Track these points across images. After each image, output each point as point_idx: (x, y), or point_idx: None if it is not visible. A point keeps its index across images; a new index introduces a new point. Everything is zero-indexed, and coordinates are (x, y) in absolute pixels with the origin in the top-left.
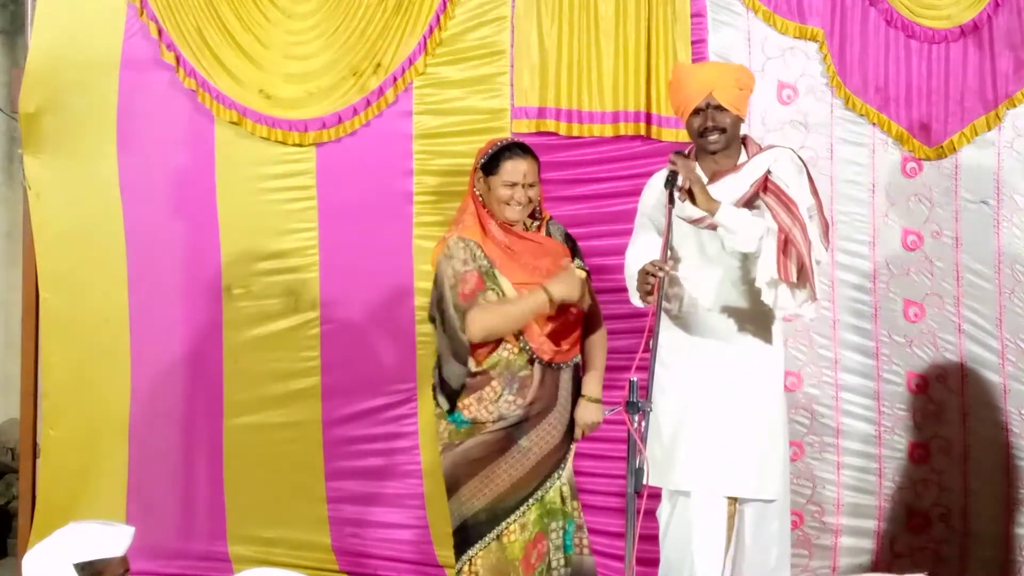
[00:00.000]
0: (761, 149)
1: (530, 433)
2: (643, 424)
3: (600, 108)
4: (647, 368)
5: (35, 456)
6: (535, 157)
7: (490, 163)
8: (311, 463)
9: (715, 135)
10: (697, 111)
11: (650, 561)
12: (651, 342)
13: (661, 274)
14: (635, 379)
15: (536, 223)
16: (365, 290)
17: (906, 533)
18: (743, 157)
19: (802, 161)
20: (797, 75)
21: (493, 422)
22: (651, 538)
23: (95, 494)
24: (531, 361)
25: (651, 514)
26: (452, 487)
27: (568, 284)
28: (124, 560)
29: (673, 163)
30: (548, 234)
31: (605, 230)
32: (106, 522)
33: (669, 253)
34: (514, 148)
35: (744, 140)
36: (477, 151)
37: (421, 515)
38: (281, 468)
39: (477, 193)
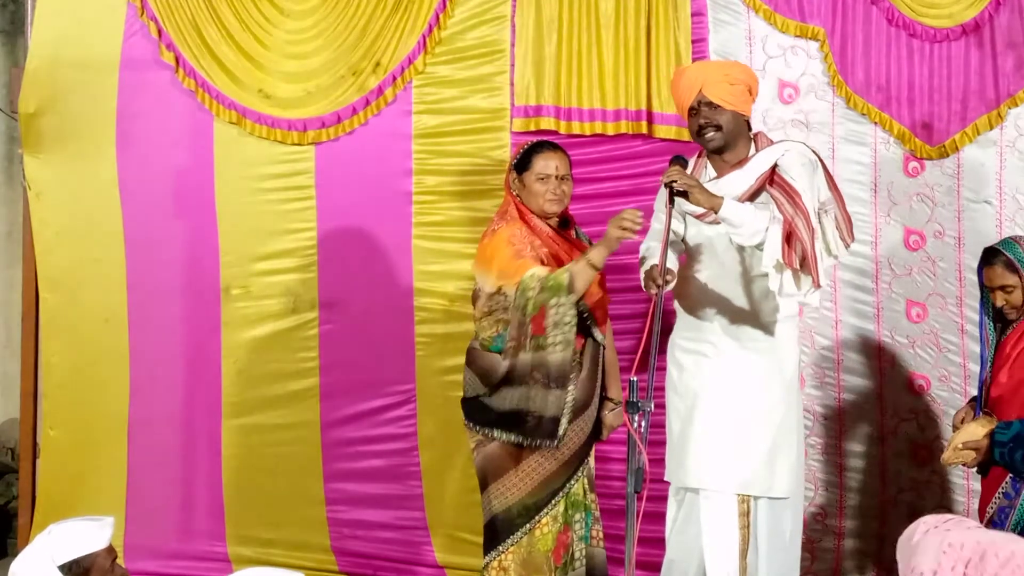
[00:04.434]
0: (772, 144)
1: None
2: (643, 424)
3: (600, 106)
4: (647, 368)
5: (35, 456)
6: (565, 152)
7: (522, 161)
8: (310, 464)
9: (710, 132)
10: (692, 111)
11: (652, 565)
12: (651, 343)
13: (654, 290)
14: (635, 379)
15: (566, 228)
16: (364, 290)
17: None
18: (753, 151)
19: (817, 156)
20: (798, 74)
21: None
22: (652, 541)
23: (95, 494)
24: (582, 344)
25: (652, 517)
26: (484, 483)
27: (603, 247)
28: (110, 550)
29: (668, 176)
30: (577, 236)
31: (605, 230)
32: (85, 517)
33: (684, 251)
34: (543, 144)
35: (756, 136)
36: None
37: (420, 516)
38: (280, 469)
39: (515, 193)
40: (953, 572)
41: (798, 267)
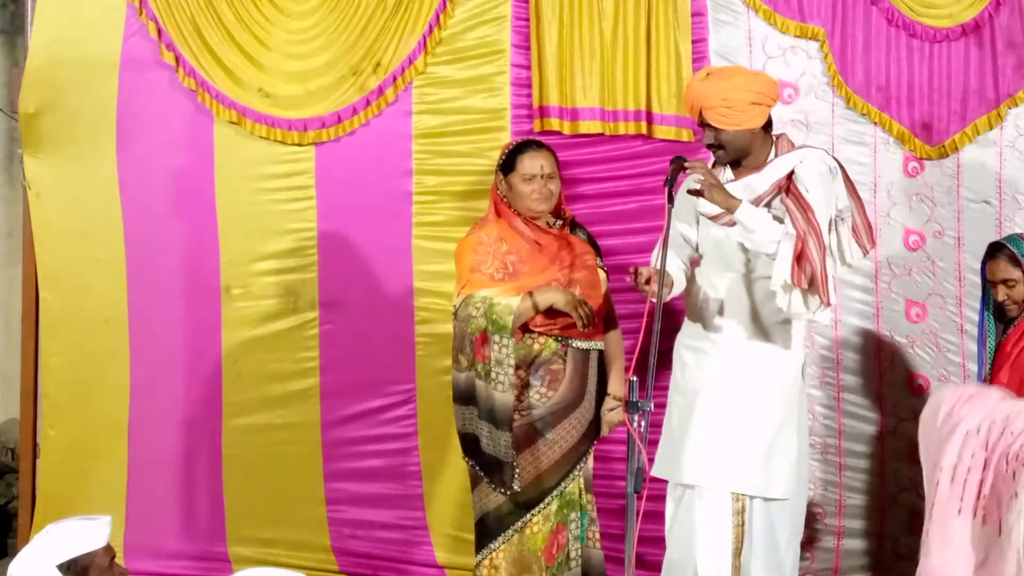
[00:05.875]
0: (793, 148)
1: (556, 427)
2: (643, 424)
3: (600, 106)
4: (646, 368)
5: (35, 456)
6: (551, 150)
7: (508, 162)
8: (310, 464)
9: (714, 150)
10: (700, 125)
11: (652, 565)
12: (651, 342)
13: (653, 298)
14: (635, 379)
15: (559, 222)
16: (364, 290)
17: (909, 535)
18: (772, 156)
19: (837, 163)
20: (798, 74)
21: (521, 411)
22: (653, 541)
23: (95, 494)
24: (564, 348)
25: (652, 516)
26: (475, 480)
27: (554, 296)
28: (108, 549)
29: (692, 166)
30: (572, 232)
31: (605, 230)
32: (83, 517)
33: (694, 257)
34: (529, 143)
35: (778, 139)
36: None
37: (420, 516)
38: (280, 469)
39: (501, 195)
40: (974, 459)
41: (807, 287)
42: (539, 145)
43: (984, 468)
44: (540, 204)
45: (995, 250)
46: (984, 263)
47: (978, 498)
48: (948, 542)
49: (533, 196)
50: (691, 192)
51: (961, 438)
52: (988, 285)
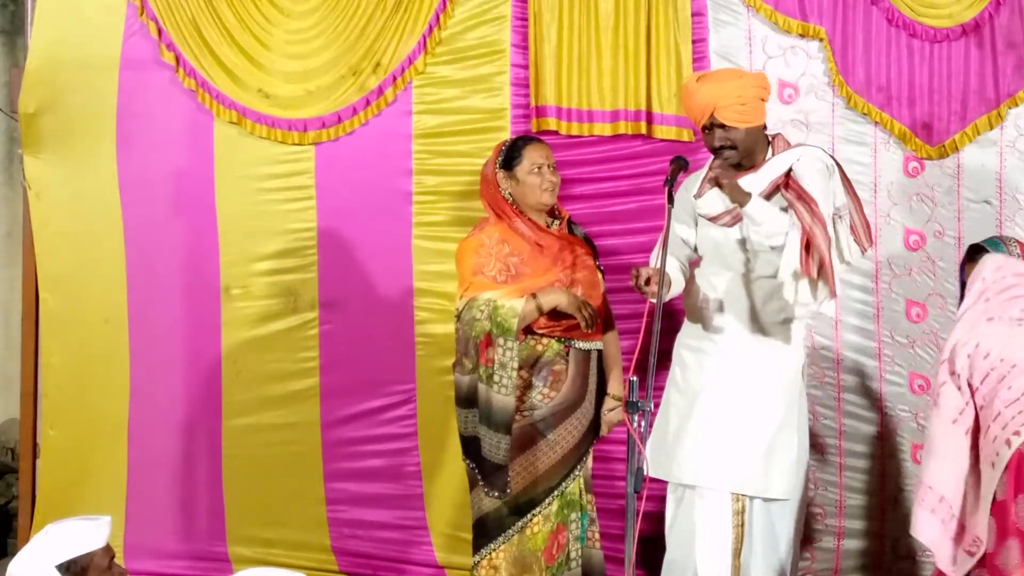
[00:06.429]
0: (789, 147)
1: (557, 427)
2: (643, 424)
3: (600, 107)
4: (647, 368)
5: (35, 456)
6: (547, 144)
7: (510, 158)
8: (310, 464)
9: (727, 152)
10: (706, 129)
11: (652, 565)
12: (651, 342)
13: (652, 299)
14: (635, 379)
15: (557, 222)
16: (364, 290)
17: (909, 535)
18: (769, 155)
19: (834, 161)
20: (798, 74)
21: (523, 412)
22: (653, 540)
23: (95, 494)
24: (567, 349)
25: (652, 516)
26: (474, 481)
27: (558, 297)
28: (108, 549)
29: (690, 166)
30: (570, 232)
31: (605, 230)
32: (82, 517)
33: (693, 258)
34: (529, 137)
35: (774, 138)
36: (484, 164)
37: (420, 516)
38: (280, 469)
39: (505, 195)
40: (983, 384)
41: (815, 276)
42: (538, 138)
43: (976, 393)
44: (549, 195)
45: (974, 252)
46: (962, 265)
47: (975, 422)
48: (943, 451)
49: (543, 187)
50: (709, 181)
51: (971, 351)
52: (965, 287)
